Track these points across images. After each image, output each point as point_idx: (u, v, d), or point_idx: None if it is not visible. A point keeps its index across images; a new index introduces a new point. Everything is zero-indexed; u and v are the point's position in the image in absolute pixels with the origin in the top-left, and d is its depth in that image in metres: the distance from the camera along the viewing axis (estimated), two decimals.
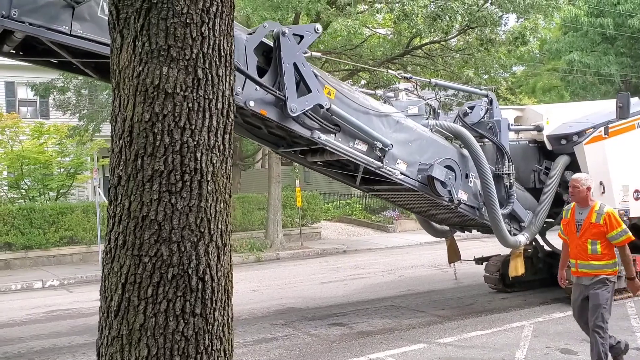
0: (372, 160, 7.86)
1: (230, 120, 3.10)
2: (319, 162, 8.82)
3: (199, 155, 2.92)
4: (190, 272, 2.85)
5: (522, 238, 9.18)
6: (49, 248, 17.67)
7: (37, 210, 17.71)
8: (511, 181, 9.12)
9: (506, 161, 9.11)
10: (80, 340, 8.75)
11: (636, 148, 9.89)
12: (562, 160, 9.72)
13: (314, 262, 16.99)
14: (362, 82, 23.93)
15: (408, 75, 9.61)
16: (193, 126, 2.91)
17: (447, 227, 10.74)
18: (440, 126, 8.86)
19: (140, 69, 2.84)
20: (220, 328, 2.95)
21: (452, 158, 8.57)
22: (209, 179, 2.95)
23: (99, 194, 17.89)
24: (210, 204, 2.96)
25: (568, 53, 27.15)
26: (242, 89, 6.70)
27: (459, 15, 16.33)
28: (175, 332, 2.80)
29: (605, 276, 5.83)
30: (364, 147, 7.84)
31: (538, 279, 10.92)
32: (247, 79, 6.69)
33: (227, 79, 3.06)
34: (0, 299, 13.22)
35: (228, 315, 3.02)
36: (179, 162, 2.87)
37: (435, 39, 19.96)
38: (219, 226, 3.00)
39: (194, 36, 2.88)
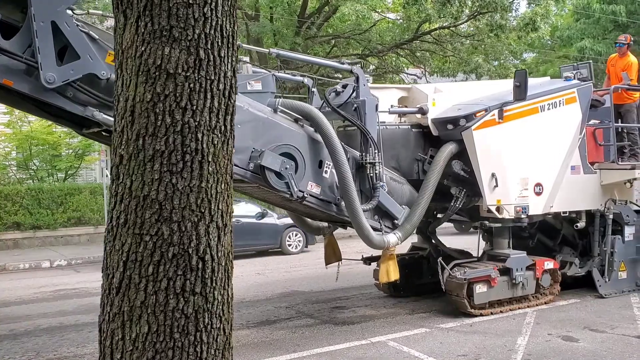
0: None
1: (232, 101, 3.11)
2: None
3: (200, 135, 2.93)
4: (190, 252, 2.88)
5: (392, 238, 7.79)
6: (56, 228, 17.85)
7: (46, 190, 17.86)
8: (377, 172, 7.71)
9: (371, 148, 7.65)
10: (86, 319, 8.87)
11: (539, 135, 8.62)
12: (448, 148, 8.28)
13: (320, 247, 17.04)
14: (371, 67, 23.85)
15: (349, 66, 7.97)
16: (194, 107, 2.92)
17: (324, 223, 9.20)
18: (287, 106, 7.36)
19: (143, 49, 2.85)
20: (220, 307, 2.99)
21: (293, 145, 7.21)
22: (209, 159, 2.97)
23: (107, 176, 17.99)
24: (211, 185, 2.98)
25: (579, 40, 26.87)
26: None
27: (469, 1, 16.21)
28: (175, 309, 2.84)
29: None
30: None
31: (434, 282, 8.84)
32: None
33: (230, 60, 3.06)
34: (8, 277, 13.39)
35: (228, 294, 3.06)
36: (180, 142, 2.89)
37: (444, 25, 19.83)
38: (220, 207, 3.03)
39: (196, 17, 2.88)
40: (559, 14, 28.03)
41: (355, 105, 7.77)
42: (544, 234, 9.91)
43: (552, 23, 20.45)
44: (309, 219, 8.93)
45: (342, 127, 8.49)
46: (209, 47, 2.93)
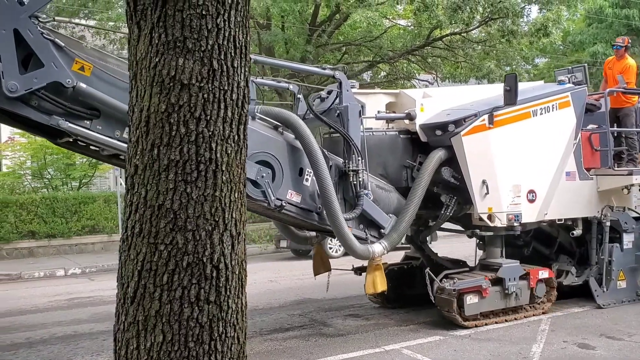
0: None
1: (245, 111, 3.14)
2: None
3: (214, 145, 2.96)
4: (204, 260, 2.91)
5: (378, 247, 7.56)
6: (71, 237, 17.99)
7: (60, 199, 18.01)
8: (360, 179, 7.49)
9: (354, 155, 7.44)
10: (100, 328, 8.92)
11: (532, 140, 8.40)
12: (437, 155, 8.06)
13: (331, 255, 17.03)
14: (382, 73, 23.88)
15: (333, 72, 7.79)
16: (208, 117, 2.95)
17: (311, 233, 8.92)
18: (266, 112, 7.18)
19: (157, 60, 2.89)
20: (234, 315, 3.00)
21: (270, 152, 6.98)
22: (223, 168, 3.00)
23: (120, 184, 18.11)
24: (225, 194, 3.01)
25: (592, 45, 26.70)
26: None
27: (480, 7, 16.18)
28: (190, 318, 2.85)
29: None
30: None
31: (427, 292, 8.29)
32: None
33: (242, 70, 3.10)
34: (24, 286, 13.51)
35: (242, 303, 3.08)
36: (194, 152, 2.92)
37: (456, 31, 19.80)
38: (234, 215, 3.05)
39: (209, 28, 2.92)
40: (570, 19, 27.90)
41: (338, 112, 7.63)
42: (539, 242, 9.65)
43: (564, 28, 20.38)
44: (295, 229, 8.70)
45: (327, 134, 8.37)
46: (223, 58, 2.97)
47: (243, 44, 3.09)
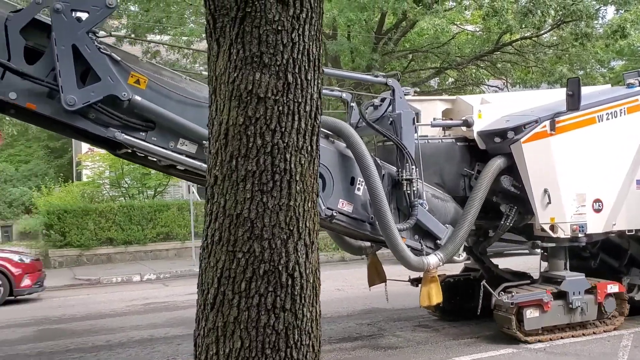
0: (200, 164, 6.36)
1: (317, 122, 3.21)
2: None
3: (288, 156, 3.04)
4: (280, 269, 2.98)
5: (433, 259, 7.35)
6: (146, 243, 18.72)
7: (136, 207, 18.80)
8: (414, 188, 7.31)
9: (408, 164, 7.29)
10: (175, 332, 9.22)
11: (597, 147, 7.98)
12: (496, 163, 7.80)
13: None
14: (450, 80, 23.57)
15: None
16: (283, 128, 3.03)
17: (365, 243, 8.61)
18: None
19: (235, 75, 3.00)
20: (309, 324, 3.06)
21: (320, 162, 7.00)
22: (297, 179, 3.07)
23: (193, 192, 18.71)
24: (299, 203, 3.07)
25: None
26: (1, 78, 5.59)
27: (551, 10, 15.69)
28: (267, 326, 2.93)
29: None
30: (192, 149, 6.39)
31: (487, 305, 8.07)
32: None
33: (315, 83, 3.16)
34: (103, 290, 14.17)
35: (316, 311, 3.13)
36: (270, 162, 3.01)
37: (526, 35, 19.32)
38: (307, 224, 3.11)
39: (284, 42, 3.00)
40: None
41: (391, 119, 7.51)
42: (608, 254, 9.09)
43: None
44: (348, 238, 8.54)
45: (381, 142, 8.26)
46: (297, 71, 3.05)
47: (316, 57, 3.16)
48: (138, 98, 5.96)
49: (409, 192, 7.33)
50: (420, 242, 7.53)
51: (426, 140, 7.99)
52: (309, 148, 3.12)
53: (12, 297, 12.47)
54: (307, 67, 3.09)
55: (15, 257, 12.86)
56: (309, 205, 3.12)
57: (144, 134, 6.18)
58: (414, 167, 7.34)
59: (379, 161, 7.33)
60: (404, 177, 7.31)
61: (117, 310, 11.38)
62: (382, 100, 7.95)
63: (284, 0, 2.98)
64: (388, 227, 6.93)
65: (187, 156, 6.37)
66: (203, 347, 3.01)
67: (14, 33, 5.54)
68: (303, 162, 3.09)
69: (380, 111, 7.79)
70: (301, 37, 3.05)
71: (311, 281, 3.10)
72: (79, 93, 5.69)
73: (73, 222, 18.00)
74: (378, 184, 6.91)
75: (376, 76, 7.94)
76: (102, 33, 6.11)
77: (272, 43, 2.98)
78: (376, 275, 8.75)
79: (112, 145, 6.58)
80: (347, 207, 7.09)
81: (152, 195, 21.20)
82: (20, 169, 30.59)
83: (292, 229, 3.03)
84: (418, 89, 18.85)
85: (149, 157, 6.66)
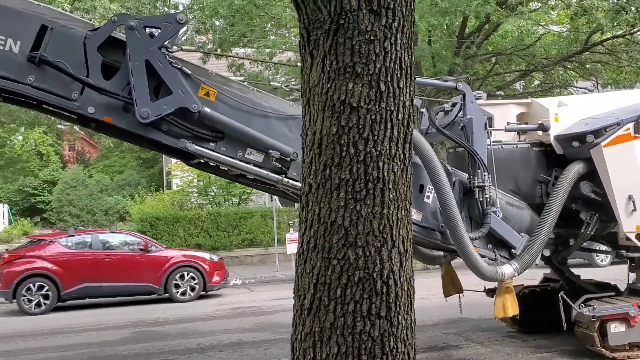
0: (267, 173, 6.44)
1: (410, 130, 3.22)
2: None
3: (381, 164, 3.07)
4: (375, 276, 3.01)
5: (508, 269, 7.07)
6: (232, 249, 19.33)
7: (223, 214, 19.47)
8: (487, 196, 7.07)
9: (479, 170, 7.06)
10: (262, 337, 9.44)
11: None
12: (575, 168, 7.41)
13: None
14: (536, 82, 22.80)
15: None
16: (376, 137, 3.06)
17: (439, 252, 8.36)
18: None
19: (328, 85, 3.07)
20: (404, 331, 3.06)
21: None
22: (390, 187, 3.09)
23: (275, 200, 19.11)
24: (392, 211, 3.09)
25: None
26: (81, 93, 5.83)
27: None
28: (363, 332, 2.96)
29: None
30: (259, 158, 6.46)
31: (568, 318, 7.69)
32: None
33: (407, 90, 3.18)
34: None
35: (411, 319, 3.13)
36: (363, 171, 3.05)
37: (618, 33, 18.35)
38: (401, 233, 3.12)
39: (377, 52, 3.04)
40: None
41: (461, 125, 7.30)
42: None
43: None
44: (422, 248, 8.24)
45: (452, 149, 8.03)
46: (389, 80, 3.07)
47: (408, 65, 3.17)
48: (207, 110, 6.11)
49: (481, 199, 7.12)
50: (494, 252, 7.29)
51: (500, 146, 7.74)
52: (402, 156, 3.14)
53: (204, 292, 14.00)
54: (399, 75, 3.11)
55: (207, 256, 14.54)
56: (403, 213, 3.13)
57: (213, 144, 6.31)
58: (486, 173, 7.12)
59: (449, 168, 7.19)
60: (476, 184, 7.10)
61: (207, 314, 11.79)
62: (453, 105, 7.78)
63: (376, 11, 3.02)
64: (459, 235, 6.73)
65: (254, 165, 6.47)
66: (300, 351, 3.08)
67: (92, 50, 5.80)
68: (396, 170, 3.11)
69: (451, 116, 7.63)
70: (393, 45, 3.07)
71: (405, 289, 3.11)
72: (152, 106, 5.88)
73: (164, 229, 18.87)
74: (448, 191, 6.74)
75: (445, 80, 7.79)
76: (174, 47, 6.35)
77: (365, 53, 3.03)
78: (451, 286, 8.54)
79: (185, 156, 6.78)
80: (416, 216, 6.90)
81: (237, 202, 21.86)
82: (115, 178, 32.41)
83: (385, 236, 3.05)
84: (502, 92, 18.37)
85: (220, 167, 6.83)
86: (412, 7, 3.22)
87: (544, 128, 7.77)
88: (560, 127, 7.77)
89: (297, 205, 8.01)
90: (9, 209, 29.28)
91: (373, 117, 3.06)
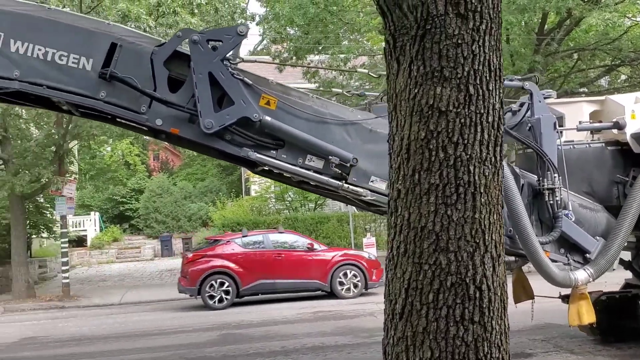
0: (327, 179, 6.46)
1: (500, 132, 3.17)
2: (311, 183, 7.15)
3: (471, 168, 3.04)
4: (467, 281, 2.98)
5: (582, 274, 6.81)
6: None
7: (300, 219, 19.78)
8: (558, 198, 6.82)
9: (549, 172, 6.83)
10: (344, 341, 9.50)
11: None
12: None
13: None
14: (622, 77, 21.72)
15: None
16: (465, 140, 3.04)
17: (509, 257, 8.13)
18: None
19: (416, 91, 3.07)
20: (498, 337, 3.01)
21: None
22: (481, 191, 3.05)
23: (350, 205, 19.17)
24: (484, 216, 3.05)
25: None
26: (149, 107, 6.07)
27: None
28: (456, 337, 2.94)
29: None
30: (319, 164, 6.50)
31: None
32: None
33: (497, 92, 3.13)
34: (275, 297, 15.03)
35: (505, 324, 3.08)
36: (453, 175, 3.03)
37: None
38: (493, 237, 3.08)
39: (465, 55, 3.02)
40: None
41: (529, 125, 7.08)
42: None
43: None
44: None
45: (521, 150, 7.76)
46: (478, 83, 3.04)
47: (497, 67, 3.13)
48: (268, 118, 6.23)
49: (551, 202, 6.89)
50: (566, 256, 7.04)
51: (571, 146, 7.46)
52: (493, 159, 3.09)
53: (365, 290, 14.69)
54: (488, 78, 3.07)
55: (365, 254, 15.39)
56: (495, 218, 3.09)
57: (274, 152, 6.43)
58: (556, 175, 6.88)
59: (517, 170, 7.00)
60: (546, 187, 6.88)
61: (288, 318, 11.99)
62: (521, 105, 7.56)
63: (463, 15, 3.00)
64: (528, 240, 6.52)
65: (314, 171, 6.53)
66: (393, 355, 3.09)
67: (158, 65, 6.04)
68: (487, 173, 3.07)
69: (519, 117, 7.42)
70: (481, 48, 3.04)
71: (499, 294, 3.06)
72: (215, 117, 6.05)
73: None
74: (515, 194, 6.58)
75: (511, 80, 7.59)
76: (237, 59, 6.50)
77: (452, 57, 3.01)
78: (522, 292, 8.25)
79: (250, 163, 6.92)
80: None
81: (313, 207, 22.10)
82: (197, 186, 33.61)
83: (478, 241, 3.02)
84: (586, 90, 17.61)
85: (283, 174, 6.93)
86: (499, 9, 3.18)
87: (620, 126, 7.42)
88: (637, 125, 7.42)
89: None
90: (100, 217, 31.01)
91: (462, 120, 3.04)
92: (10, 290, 17.66)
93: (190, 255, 14.91)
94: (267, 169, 6.87)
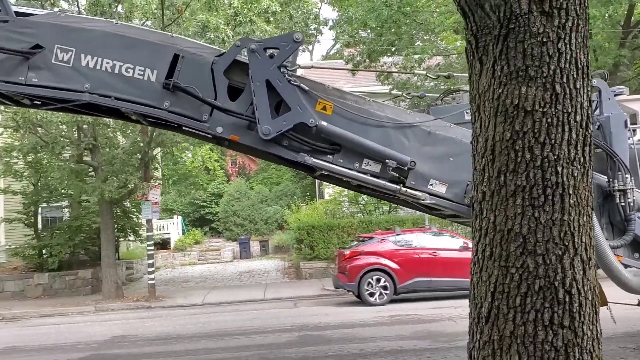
0: (384, 183, 6.42)
1: (589, 132, 3.08)
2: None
3: (559, 169, 2.97)
4: (556, 285, 2.91)
5: None
6: None
7: (374, 222, 19.68)
8: (630, 200, 6.51)
9: (620, 172, 6.53)
10: (423, 345, 9.39)
11: None
12: None
13: None
14: None
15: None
16: (553, 141, 2.98)
17: None
18: None
19: (500, 91, 3.04)
20: (590, 342, 2.93)
21: None
22: (570, 192, 2.98)
23: None
24: (573, 217, 2.97)
25: None
26: (210, 115, 6.17)
27: None
28: (545, 342, 2.88)
29: None
30: (376, 168, 6.46)
31: None
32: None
33: (585, 91, 3.05)
34: (348, 300, 15.05)
35: (597, 330, 2.98)
36: (540, 176, 2.97)
37: None
38: (583, 240, 2.99)
39: (550, 53, 2.96)
40: None
41: (598, 124, 6.80)
42: None
43: None
44: None
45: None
46: (565, 81, 2.98)
47: (584, 64, 3.05)
48: (324, 123, 6.26)
49: (622, 204, 6.65)
50: None
51: None
52: (582, 159, 3.01)
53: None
54: (575, 76, 3.00)
55: None
56: (584, 220, 3.00)
57: (331, 156, 6.47)
58: (628, 175, 6.62)
59: None
60: (617, 188, 6.65)
61: (366, 321, 12.00)
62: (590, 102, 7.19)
63: (547, 12, 2.94)
64: (598, 244, 6.22)
65: (371, 175, 6.51)
66: (479, 359, 3.06)
67: (218, 74, 6.18)
68: (576, 174, 2.99)
69: None
70: (568, 46, 2.98)
71: (590, 298, 2.97)
72: (273, 123, 6.13)
73: (320, 237, 19.53)
74: None
75: None
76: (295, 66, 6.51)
77: (537, 55, 2.96)
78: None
79: (308, 168, 6.97)
80: None
81: (387, 210, 21.96)
82: (273, 190, 34.25)
83: (567, 244, 2.94)
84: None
85: (342, 179, 6.96)
86: (586, 5, 3.09)
87: None
88: None
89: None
90: (182, 220, 32.22)
91: (549, 120, 2.98)
92: (100, 290, 18.65)
93: (347, 252, 15.15)
94: (325, 173, 6.92)
